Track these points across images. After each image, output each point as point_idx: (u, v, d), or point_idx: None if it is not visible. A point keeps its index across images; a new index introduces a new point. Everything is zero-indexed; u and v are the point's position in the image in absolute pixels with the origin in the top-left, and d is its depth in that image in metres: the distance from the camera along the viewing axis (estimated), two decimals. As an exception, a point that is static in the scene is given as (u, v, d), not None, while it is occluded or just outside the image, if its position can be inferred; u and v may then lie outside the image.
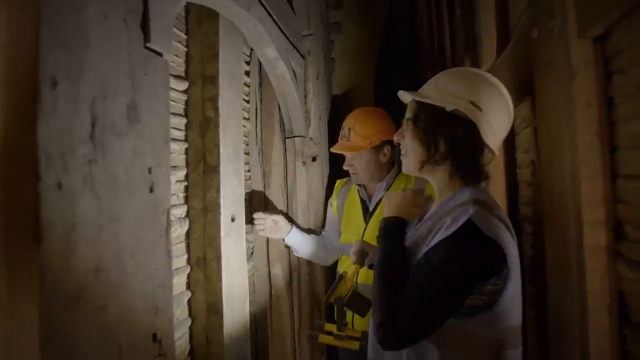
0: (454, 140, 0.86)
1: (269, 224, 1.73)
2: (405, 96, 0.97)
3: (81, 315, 0.55)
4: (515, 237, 0.87)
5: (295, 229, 1.81)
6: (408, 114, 0.95)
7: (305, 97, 1.94)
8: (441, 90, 0.88)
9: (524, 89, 1.12)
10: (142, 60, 0.69)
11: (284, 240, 1.83)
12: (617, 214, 0.72)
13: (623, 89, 0.69)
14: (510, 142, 1.39)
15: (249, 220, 1.64)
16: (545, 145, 0.96)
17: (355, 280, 1.21)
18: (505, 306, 0.82)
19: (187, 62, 1.21)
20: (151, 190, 0.72)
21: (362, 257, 1.23)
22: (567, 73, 0.78)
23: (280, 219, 1.76)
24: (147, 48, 0.71)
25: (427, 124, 0.88)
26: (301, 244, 1.83)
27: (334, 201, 1.86)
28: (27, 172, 0.51)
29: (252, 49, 1.58)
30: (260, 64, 1.64)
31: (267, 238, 1.91)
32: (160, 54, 0.74)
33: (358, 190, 1.73)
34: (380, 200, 1.63)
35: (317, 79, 2.03)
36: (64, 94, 0.54)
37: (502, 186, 1.43)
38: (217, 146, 1.30)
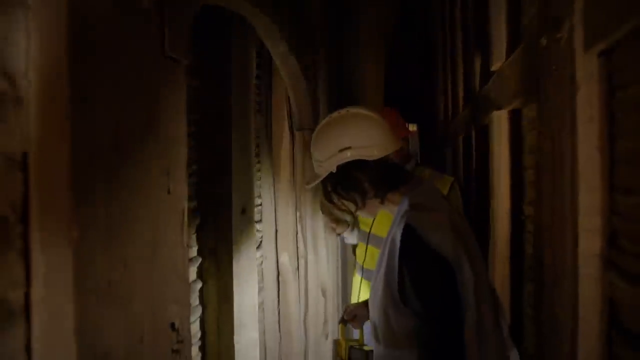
0: (355, 183, 0.95)
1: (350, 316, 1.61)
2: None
3: (110, 306, 0.61)
4: (467, 232, 0.93)
5: None
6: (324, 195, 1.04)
7: (315, 90, 1.96)
8: (319, 163, 0.98)
9: (531, 92, 1.14)
10: (161, 69, 0.73)
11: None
12: (612, 225, 0.75)
13: (624, 105, 0.71)
14: (518, 143, 1.41)
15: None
16: (548, 153, 0.98)
17: (344, 339, 1.25)
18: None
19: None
20: (169, 191, 0.77)
21: (348, 319, 1.26)
22: (571, 85, 0.80)
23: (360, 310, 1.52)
24: (166, 57, 0.74)
25: (334, 191, 0.99)
26: None
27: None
28: (61, 178, 0.56)
29: (263, 43, 1.61)
30: (271, 58, 1.67)
31: (276, 228, 1.97)
32: (178, 61, 0.78)
33: None
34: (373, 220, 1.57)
35: (328, 71, 2.05)
36: (93, 107, 0.58)
37: (507, 186, 1.45)
38: (229, 141, 1.34)
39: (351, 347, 1.21)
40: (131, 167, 0.66)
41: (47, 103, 0.55)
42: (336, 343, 1.27)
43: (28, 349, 0.52)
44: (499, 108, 1.45)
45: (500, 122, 1.50)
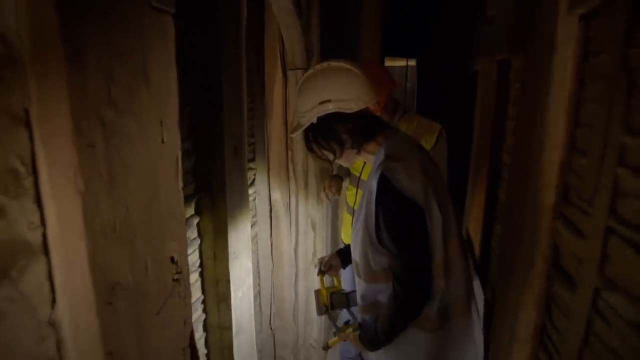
0: (334, 134, 1.03)
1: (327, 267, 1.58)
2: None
3: (116, 244, 0.70)
4: (437, 177, 1.01)
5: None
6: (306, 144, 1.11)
7: (308, 28, 1.90)
8: (302, 114, 1.03)
9: (519, 45, 1.15)
10: (149, 20, 0.74)
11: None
12: (566, 181, 0.83)
13: (593, 71, 0.74)
14: (504, 93, 1.43)
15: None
16: (526, 108, 1.03)
17: (324, 287, 1.34)
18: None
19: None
20: (163, 141, 0.82)
21: (325, 270, 1.36)
22: (551, 46, 0.82)
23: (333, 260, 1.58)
24: (153, 7, 0.75)
25: (314, 141, 1.08)
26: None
27: None
28: (63, 133, 0.61)
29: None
30: (263, -7, 1.60)
31: (268, 166, 2.05)
32: (165, 11, 0.79)
33: None
34: (363, 167, 1.66)
35: (321, 9, 1.97)
36: (86, 61, 0.61)
37: (489, 135, 1.51)
38: (221, 81, 1.35)
39: (332, 293, 1.34)
40: (126, 120, 0.71)
41: (41, 60, 0.58)
42: (317, 292, 1.36)
43: (50, 277, 0.61)
44: (490, 55, 1.45)
45: (490, 70, 1.50)
